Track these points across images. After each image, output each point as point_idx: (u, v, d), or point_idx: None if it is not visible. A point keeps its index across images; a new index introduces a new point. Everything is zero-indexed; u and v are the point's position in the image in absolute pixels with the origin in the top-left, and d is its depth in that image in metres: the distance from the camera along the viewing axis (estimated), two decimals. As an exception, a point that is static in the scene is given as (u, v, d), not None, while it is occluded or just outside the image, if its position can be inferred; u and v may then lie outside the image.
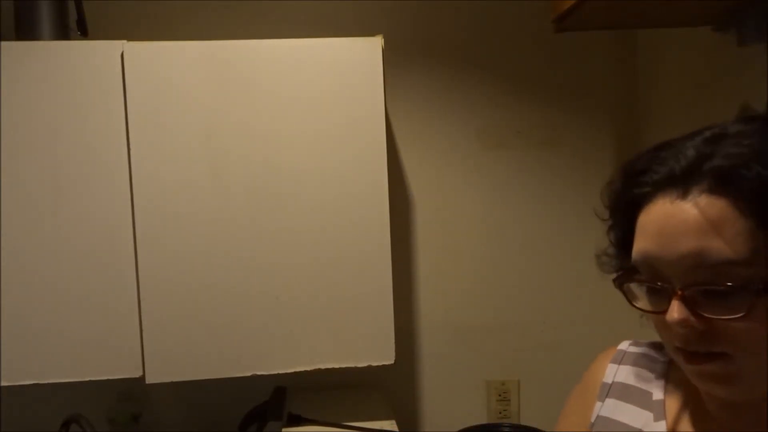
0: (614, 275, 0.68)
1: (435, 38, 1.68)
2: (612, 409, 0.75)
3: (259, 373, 1.31)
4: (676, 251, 0.57)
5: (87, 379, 1.28)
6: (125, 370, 1.29)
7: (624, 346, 0.80)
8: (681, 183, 0.58)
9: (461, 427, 1.64)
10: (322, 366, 1.33)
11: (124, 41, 1.28)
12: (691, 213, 0.57)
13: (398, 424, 1.40)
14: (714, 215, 0.56)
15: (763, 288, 0.54)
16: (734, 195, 0.55)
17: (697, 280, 0.57)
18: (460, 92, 1.69)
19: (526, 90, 1.70)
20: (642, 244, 0.61)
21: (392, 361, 1.34)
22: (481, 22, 1.68)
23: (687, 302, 0.57)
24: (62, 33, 1.39)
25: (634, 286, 0.64)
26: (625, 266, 0.67)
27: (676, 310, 0.57)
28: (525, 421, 1.71)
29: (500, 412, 1.72)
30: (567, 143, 1.71)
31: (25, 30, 1.36)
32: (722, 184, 0.56)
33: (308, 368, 1.33)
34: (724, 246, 0.55)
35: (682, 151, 0.59)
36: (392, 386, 1.68)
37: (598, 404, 0.76)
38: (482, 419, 1.72)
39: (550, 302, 1.72)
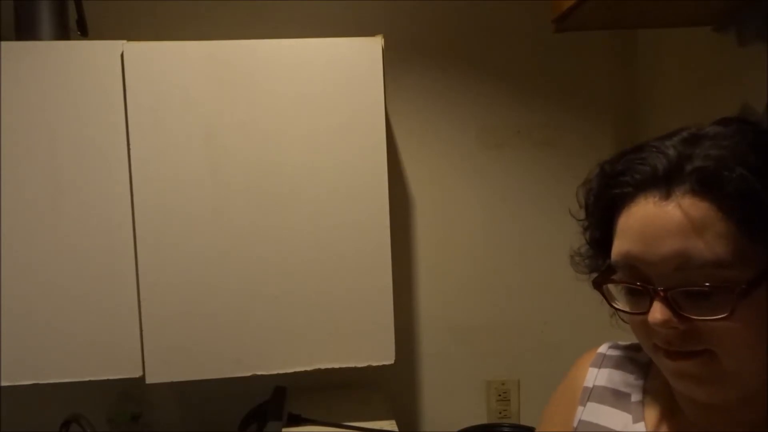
0: (589, 275, 0.68)
1: (435, 38, 1.68)
2: (593, 412, 0.75)
3: (259, 373, 1.31)
4: (659, 253, 0.57)
5: (87, 379, 1.28)
6: (125, 370, 1.29)
7: (603, 349, 0.80)
8: (663, 184, 0.58)
9: (461, 427, 1.64)
10: (322, 366, 1.33)
11: (124, 41, 1.28)
12: (674, 214, 0.56)
13: (398, 424, 1.40)
14: (697, 217, 0.55)
15: (746, 289, 0.54)
16: (717, 197, 0.55)
17: (680, 282, 0.56)
18: (460, 92, 1.69)
19: (526, 90, 1.70)
20: (623, 245, 0.61)
21: (392, 361, 1.34)
22: (481, 22, 1.68)
23: (669, 303, 0.57)
24: (62, 33, 1.39)
25: (612, 287, 0.64)
26: (601, 267, 0.67)
27: (658, 311, 0.57)
28: (525, 421, 1.71)
29: (500, 412, 1.72)
30: (567, 143, 1.71)
31: (25, 30, 1.36)
32: (705, 185, 0.56)
33: (308, 368, 1.33)
34: (708, 247, 0.55)
35: (662, 151, 0.59)
36: (392, 386, 1.68)
37: (580, 408, 0.76)
38: (482, 419, 1.72)
39: (550, 302, 1.72)
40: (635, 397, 0.72)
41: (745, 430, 0.62)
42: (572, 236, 0.72)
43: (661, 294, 0.57)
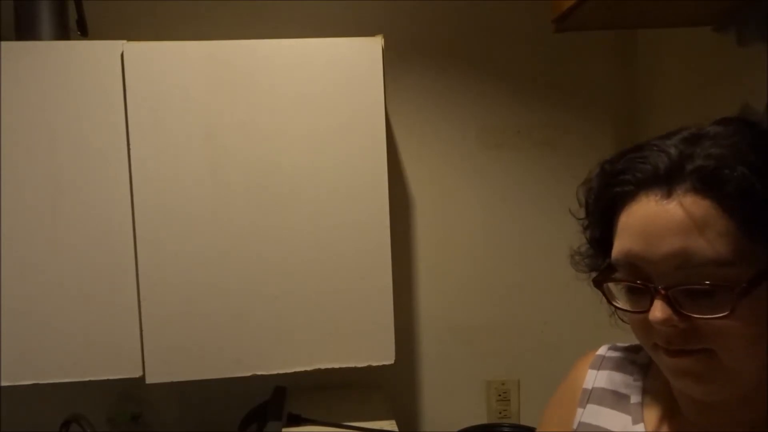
0: (589, 274, 0.68)
1: (435, 38, 1.68)
2: (593, 414, 0.75)
3: (259, 373, 1.31)
4: (660, 251, 0.57)
5: (87, 379, 1.28)
6: (125, 370, 1.29)
7: (602, 350, 0.80)
8: (665, 182, 0.58)
9: (461, 427, 1.64)
10: (322, 366, 1.33)
11: (124, 41, 1.28)
12: (675, 213, 0.57)
13: (398, 424, 1.40)
14: (698, 215, 0.56)
15: (747, 288, 0.54)
16: (718, 195, 0.55)
17: (680, 280, 0.56)
18: (460, 92, 1.69)
19: (526, 90, 1.70)
20: (624, 244, 0.61)
21: (392, 361, 1.34)
22: (481, 22, 1.68)
23: (670, 301, 0.57)
24: (62, 33, 1.39)
25: (612, 286, 0.64)
26: (601, 265, 0.67)
27: (659, 310, 0.57)
28: (525, 421, 1.71)
29: (500, 412, 1.72)
30: (567, 143, 1.71)
31: (25, 30, 1.36)
32: (706, 184, 0.56)
33: (308, 368, 1.33)
34: (709, 246, 0.55)
35: (664, 150, 0.59)
36: (392, 386, 1.68)
37: (580, 411, 0.76)
38: (482, 419, 1.72)
39: (550, 302, 1.72)
40: (635, 398, 0.72)
41: (745, 430, 0.62)
42: (572, 236, 0.72)
43: (662, 292, 0.57)
